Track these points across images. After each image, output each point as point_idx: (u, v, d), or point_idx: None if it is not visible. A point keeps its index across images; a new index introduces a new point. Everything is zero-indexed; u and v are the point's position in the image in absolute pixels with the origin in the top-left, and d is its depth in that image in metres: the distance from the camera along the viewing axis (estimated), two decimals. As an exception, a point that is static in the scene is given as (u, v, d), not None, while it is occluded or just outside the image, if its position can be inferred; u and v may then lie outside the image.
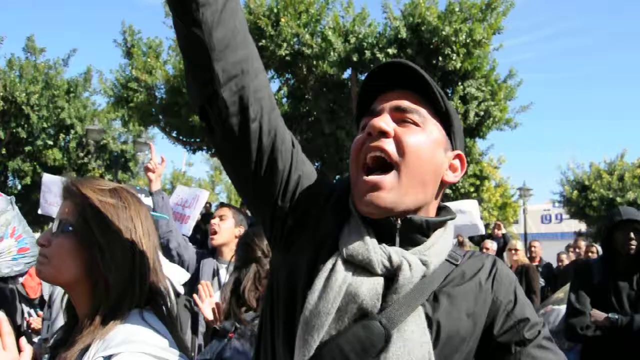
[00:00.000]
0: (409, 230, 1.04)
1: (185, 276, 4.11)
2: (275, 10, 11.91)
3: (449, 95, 12.85)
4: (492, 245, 8.32)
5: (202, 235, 8.99)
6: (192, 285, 3.89)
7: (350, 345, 0.96)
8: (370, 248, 1.00)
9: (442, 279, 1.05)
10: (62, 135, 17.80)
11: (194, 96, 1.04)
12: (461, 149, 1.14)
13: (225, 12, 0.97)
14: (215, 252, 3.77)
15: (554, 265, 8.98)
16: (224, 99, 0.99)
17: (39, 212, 6.51)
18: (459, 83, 12.59)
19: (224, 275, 3.81)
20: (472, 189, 14.98)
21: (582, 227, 23.98)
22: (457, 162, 1.12)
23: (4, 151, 17.20)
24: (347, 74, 12.79)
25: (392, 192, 1.01)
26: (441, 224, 1.09)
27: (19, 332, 3.21)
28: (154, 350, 1.17)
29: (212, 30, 0.96)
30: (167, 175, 32.50)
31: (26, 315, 3.49)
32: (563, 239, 13.37)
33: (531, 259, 8.48)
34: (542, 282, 7.67)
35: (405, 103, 1.06)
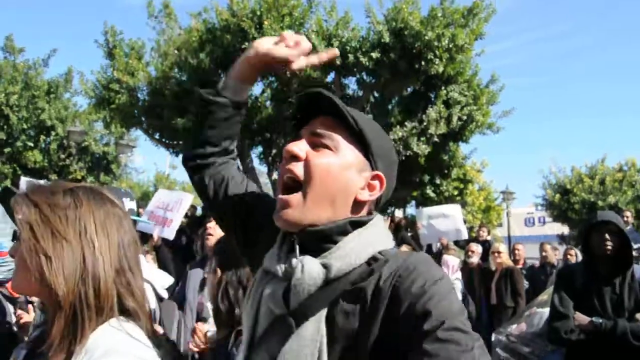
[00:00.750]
0: (307, 240, 1.13)
1: (169, 280, 4.05)
2: (258, 13, 11.84)
3: (432, 99, 12.91)
4: (477, 249, 8.35)
5: (187, 240, 8.87)
6: (181, 295, 3.83)
7: (266, 342, 1.11)
8: (274, 257, 1.17)
9: (353, 281, 1.08)
10: (42, 137, 17.51)
11: (184, 155, 1.49)
12: (382, 170, 1.20)
13: (230, 122, 1.40)
14: (204, 261, 3.74)
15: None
16: (195, 167, 1.46)
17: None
18: (442, 87, 12.64)
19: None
20: (455, 193, 15.08)
21: (564, 230, 24.26)
22: (375, 182, 1.20)
23: (-18, 153, 16.91)
24: (330, 77, 12.78)
25: (297, 209, 1.14)
26: (348, 229, 1.14)
27: (10, 332, 3.16)
28: (134, 357, 1.13)
29: (214, 128, 1.40)
30: (151, 178, 32.21)
31: (13, 315, 3.41)
32: (546, 242, 13.49)
33: (515, 261, 8.53)
34: (526, 284, 7.72)
35: (320, 129, 1.18)
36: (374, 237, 1.15)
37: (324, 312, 1.06)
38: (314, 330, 1.05)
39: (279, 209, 1.16)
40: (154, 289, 3.61)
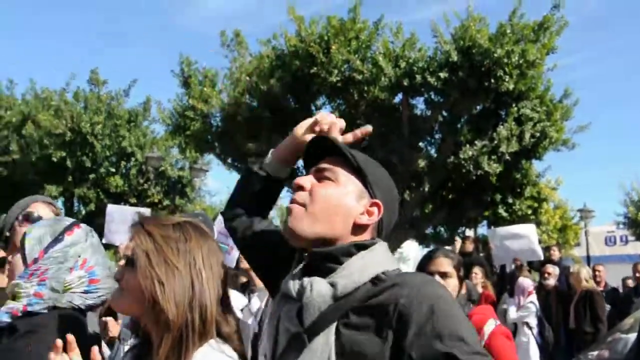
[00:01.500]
0: (319, 261, 1.27)
1: (243, 301, 4.20)
2: (325, 38, 12.11)
3: (503, 116, 12.64)
4: (553, 270, 8.05)
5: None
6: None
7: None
8: (290, 279, 1.29)
9: (358, 299, 1.19)
10: (123, 163, 18.55)
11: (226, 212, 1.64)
12: (381, 199, 1.34)
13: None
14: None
15: (620, 289, 8.60)
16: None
17: (103, 241, 6.79)
18: (513, 104, 12.36)
19: (256, 304, 3.86)
20: (529, 212, 14.58)
21: (649, 249, 22.85)
22: (374, 209, 1.32)
23: (70, 179, 18.06)
24: (398, 98, 12.81)
25: (299, 220, 1.29)
26: (352, 251, 1.26)
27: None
28: None
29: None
30: (223, 200, 33.13)
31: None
32: (630, 262, 12.73)
33: (596, 283, 8.15)
34: (607, 307, 7.37)
35: (323, 164, 1.35)
36: (377, 259, 1.26)
37: (333, 326, 1.17)
38: (323, 343, 1.16)
39: (286, 221, 1.32)
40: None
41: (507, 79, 11.25)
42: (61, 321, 1.62)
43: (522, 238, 8.80)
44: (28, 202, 2.33)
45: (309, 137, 1.45)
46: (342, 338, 1.16)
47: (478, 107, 12.94)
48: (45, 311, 1.62)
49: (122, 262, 3.58)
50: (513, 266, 8.91)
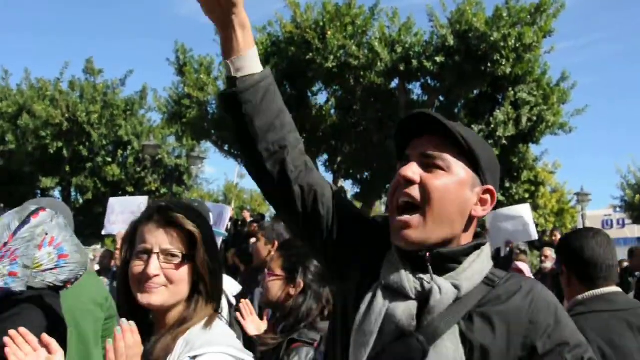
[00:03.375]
0: (438, 261, 1.18)
1: (237, 287, 4.23)
2: (321, 24, 12.07)
3: (500, 101, 12.64)
4: (551, 253, 8.07)
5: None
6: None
7: (389, 357, 1.13)
8: (404, 276, 1.17)
9: (477, 300, 1.15)
10: (120, 152, 18.56)
11: (247, 170, 1.32)
12: (492, 183, 1.25)
13: (262, 105, 1.21)
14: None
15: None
16: (269, 171, 1.24)
17: (103, 232, 6.86)
18: (510, 88, 12.38)
19: (259, 295, 3.88)
20: (527, 196, 14.63)
21: (646, 232, 22.98)
22: (487, 196, 1.24)
23: (67, 168, 18.05)
24: (394, 83, 12.79)
25: (418, 230, 1.16)
26: (471, 250, 1.20)
27: None
28: (233, 351, 1.33)
29: (254, 120, 1.21)
30: (220, 187, 33.21)
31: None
32: (626, 245, 12.81)
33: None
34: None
35: (430, 150, 1.20)
36: (487, 258, 1.23)
37: (456, 329, 1.12)
38: (453, 348, 1.10)
39: (399, 229, 1.18)
40: (226, 296, 3.78)
41: (503, 63, 11.24)
42: (34, 306, 1.67)
43: (516, 218, 8.79)
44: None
45: (217, 9, 1.17)
46: (467, 340, 1.12)
47: (475, 92, 12.95)
48: (24, 289, 1.67)
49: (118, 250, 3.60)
50: (507, 249, 8.89)
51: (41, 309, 1.67)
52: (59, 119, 17.05)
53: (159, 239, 1.40)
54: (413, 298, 1.14)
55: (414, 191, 1.17)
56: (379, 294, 1.17)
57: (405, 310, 1.14)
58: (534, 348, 1.11)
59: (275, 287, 2.27)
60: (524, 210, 8.91)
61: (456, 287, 1.14)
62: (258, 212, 19.59)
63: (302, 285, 2.22)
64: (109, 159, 18.38)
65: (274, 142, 1.22)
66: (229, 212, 5.60)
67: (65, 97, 17.58)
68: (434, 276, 1.15)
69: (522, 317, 1.13)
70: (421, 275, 1.16)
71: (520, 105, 12.40)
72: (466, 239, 1.23)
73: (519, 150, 13.46)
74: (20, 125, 17.51)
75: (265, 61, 12.60)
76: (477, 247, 1.22)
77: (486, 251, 1.23)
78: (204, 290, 1.42)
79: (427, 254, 1.17)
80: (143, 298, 1.38)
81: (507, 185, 14.18)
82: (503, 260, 8.42)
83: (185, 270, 1.41)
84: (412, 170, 1.18)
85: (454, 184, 1.18)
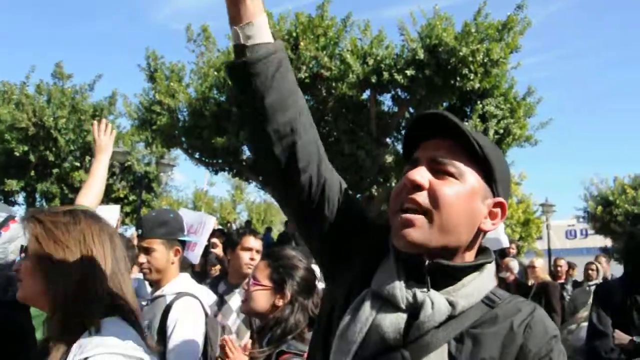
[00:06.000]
0: (437, 272, 1.09)
1: (213, 297, 4.21)
2: (294, 35, 12.14)
3: (468, 114, 12.90)
4: (514, 264, 8.25)
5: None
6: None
7: None
8: (397, 284, 1.08)
9: (473, 320, 1.08)
10: (87, 158, 18.20)
11: (252, 152, 1.18)
12: (504, 196, 1.16)
13: (275, 79, 1.09)
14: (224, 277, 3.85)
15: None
16: (277, 156, 1.12)
17: None
18: (478, 102, 12.65)
19: (237, 301, 3.85)
20: (493, 207, 14.91)
21: (607, 242, 23.63)
22: (497, 210, 1.15)
23: (33, 174, 17.64)
24: (366, 94, 12.93)
25: (421, 230, 1.08)
26: (473, 268, 1.13)
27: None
28: (124, 350, 1.32)
29: (264, 96, 1.08)
30: (189, 195, 32.88)
31: None
32: (589, 255, 13.17)
33: (556, 276, 8.38)
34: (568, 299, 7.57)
35: (441, 155, 1.11)
36: (490, 277, 1.15)
37: (445, 349, 1.05)
38: None
39: (400, 228, 1.09)
40: (202, 305, 3.77)
41: (472, 77, 11.47)
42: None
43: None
44: None
45: None
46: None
47: (444, 104, 13.18)
48: None
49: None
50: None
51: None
52: (25, 123, 16.65)
53: None
54: (403, 309, 1.06)
55: (421, 197, 1.09)
56: (368, 301, 1.09)
57: (393, 323, 1.05)
58: None
59: (261, 297, 2.23)
60: None
61: (451, 303, 1.06)
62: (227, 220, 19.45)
63: (289, 297, 2.19)
64: (77, 165, 18.00)
65: (285, 123, 1.10)
66: (212, 222, 5.40)
67: (32, 101, 17.22)
68: (430, 292, 1.08)
69: (515, 342, 1.06)
70: (415, 286, 1.08)
71: (488, 118, 12.69)
72: (471, 253, 1.16)
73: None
74: (-16, 129, 17.08)
75: (237, 70, 12.59)
76: (480, 265, 1.14)
77: (490, 269, 1.15)
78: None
79: (427, 262, 1.09)
80: None
81: (475, 196, 14.44)
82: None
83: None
84: (421, 175, 1.09)
85: (465, 193, 1.10)
